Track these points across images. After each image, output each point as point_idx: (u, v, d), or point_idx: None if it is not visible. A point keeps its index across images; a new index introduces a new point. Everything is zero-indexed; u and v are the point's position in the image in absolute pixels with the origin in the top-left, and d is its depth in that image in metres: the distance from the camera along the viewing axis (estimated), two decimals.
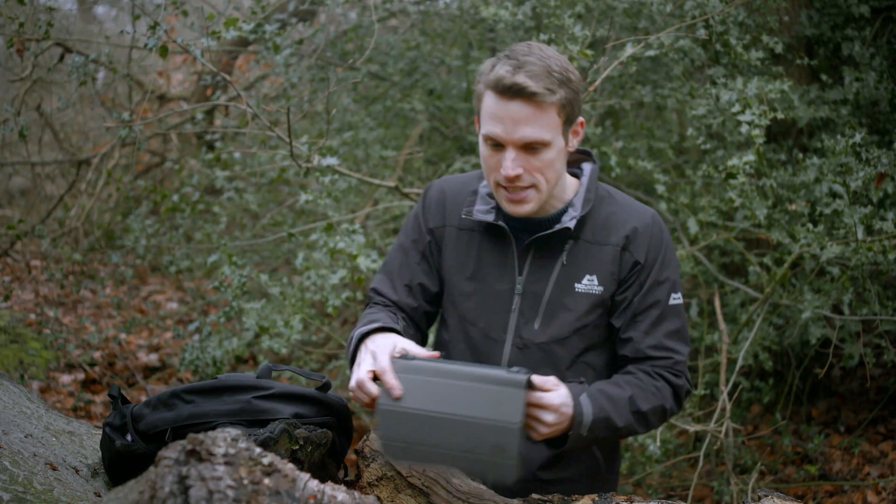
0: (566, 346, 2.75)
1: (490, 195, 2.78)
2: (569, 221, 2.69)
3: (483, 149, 2.63)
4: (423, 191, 2.95)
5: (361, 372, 2.41)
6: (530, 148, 2.55)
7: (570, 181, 2.79)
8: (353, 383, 2.43)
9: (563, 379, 2.65)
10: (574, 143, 2.68)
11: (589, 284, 2.73)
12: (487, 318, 2.78)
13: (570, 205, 2.74)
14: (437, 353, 2.43)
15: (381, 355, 2.39)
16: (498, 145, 2.57)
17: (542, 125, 2.54)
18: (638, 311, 2.71)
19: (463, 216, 2.80)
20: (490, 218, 2.74)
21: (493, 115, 2.55)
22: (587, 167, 2.82)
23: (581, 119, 2.67)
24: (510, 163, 2.55)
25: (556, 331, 2.73)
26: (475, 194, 2.82)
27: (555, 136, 2.57)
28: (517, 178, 2.57)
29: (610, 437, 2.61)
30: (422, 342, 2.85)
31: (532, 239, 2.72)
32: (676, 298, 2.74)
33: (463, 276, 2.81)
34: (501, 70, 2.52)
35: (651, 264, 2.71)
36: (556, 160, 2.61)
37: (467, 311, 2.80)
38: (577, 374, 2.76)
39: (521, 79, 2.49)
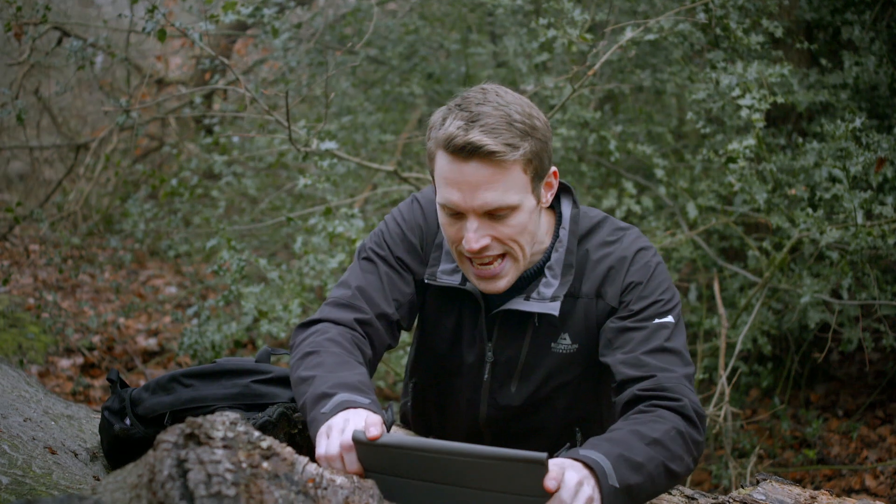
0: (547, 405, 2.55)
1: None
2: (551, 304, 2.38)
3: (441, 216, 2.32)
4: (411, 203, 2.62)
5: (344, 438, 2.00)
6: (495, 215, 2.23)
7: (545, 220, 2.45)
8: (333, 449, 2.01)
9: (551, 440, 2.50)
10: (548, 197, 2.36)
11: (563, 343, 2.46)
12: (462, 376, 2.58)
13: (546, 265, 2.43)
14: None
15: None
16: (456, 215, 2.26)
17: (506, 187, 2.20)
18: (613, 336, 2.38)
19: (426, 280, 2.49)
20: (455, 282, 2.45)
21: (448, 180, 2.22)
22: (567, 212, 2.48)
23: (554, 169, 2.34)
24: (473, 234, 2.23)
25: (533, 392, 2.53)
26: (439, 249, 2.50)
27: (523, 197, 2.24)
28: (484, 249, 2.26)
29: (644, 485, 2.07)
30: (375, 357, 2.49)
31: (501, 310, 2.44)
32: (666, 319, 2.37)
33: (441, 331, 2.57)
34: (452, 127, 2.19)
35: (627, 302, 2.38)
36: (529, 223, 2.29)
37: (449, 366, 2.61)
38: (569, 434, 2.57)
39: (476, 136, 2.15)
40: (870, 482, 4.85)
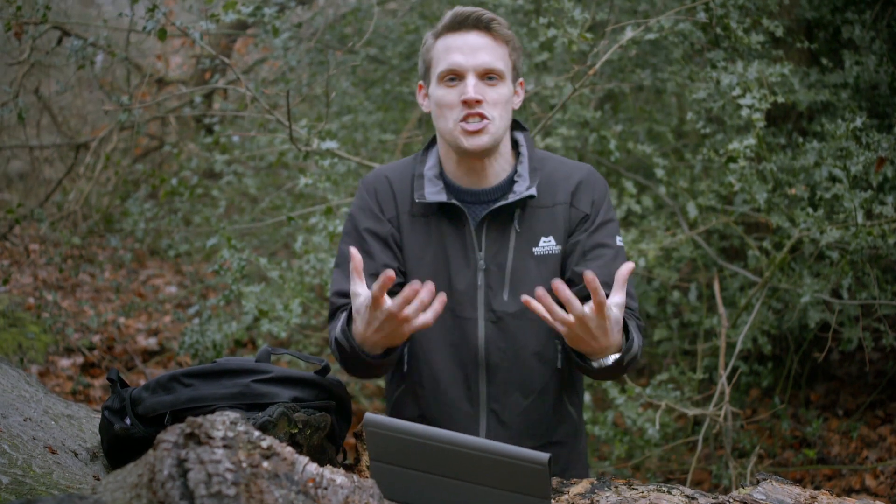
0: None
1: (437, 176, 2.77)
2: (526, 191, 2.70)
3: (439, 91, 2.67)
4: (361, 183, 2.88)
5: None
6: (488, 78, 2.62)
7: (507, 149, 2.80)
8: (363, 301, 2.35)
9: (542, 344, 2.73)
10: (517, 101, 2.75)
11: (546, 245, 2.74)
12: (455, 299, 2.74)
13: (515, 174, 2.76)
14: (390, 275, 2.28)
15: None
16: (455, 79, 2.63)
17: (499, 56, 2.63)
18: (587, 248, 2.71)
19: (416, 200, 2.75)
20: (443, 198, 2.72)
21: (451, 48, 2.63)
22: (521, 136, 2.84)
23: (521, 79, 2.75)
24: (472, 87, 2.59)
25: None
26: (422, 178, 2.79)
27: (507, 74, 2.66)
28: (478, 103, 2.60)
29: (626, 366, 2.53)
30: None
31: (490, 211, 2.70)
32: (620, 242, 2.76)
33: (424, 260, 2.76)
34: (455, 10, 2.64)
35: (596, 211, 2.74)
36: (508, 102, 2.68)
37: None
38: (550, 335, 2.75)
39: (478, 10, 2.63)
40: (870, 482, 4.86)
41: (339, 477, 1.89)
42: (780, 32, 4.43)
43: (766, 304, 4.98)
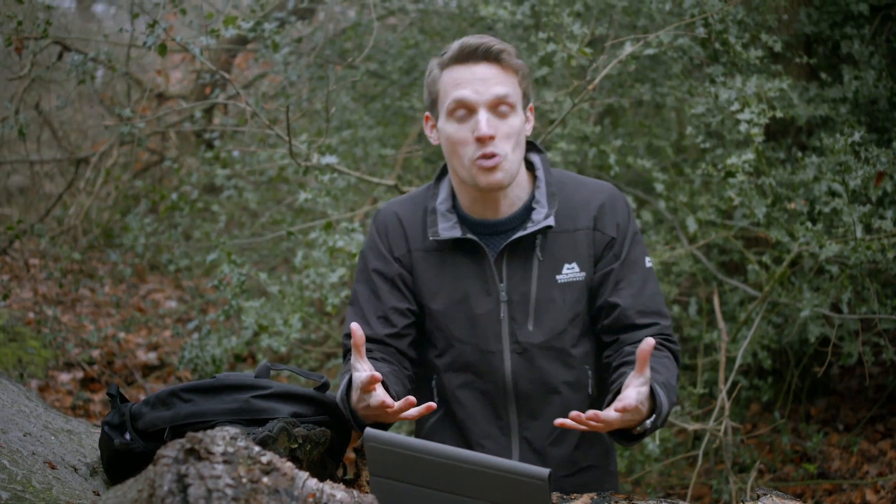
0: (564, 339, 2.70)
1: (450, 210, 2.72)
2: (545, 220, 2.64)
3: (449, 128, 2.60)
4: (372, 220, 2.84)
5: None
6: (499, 110, 2.55)
7: (523, 176, 2.73)
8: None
9: (572, 373, 2.70)
10: (528, 128, 2.68)
11: (570, 273, 2.69)
12: (478, 333, 2.71)
13: (533, 200, 2.70)
14: (432, 406, 2.31)
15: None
16: (466, 113, 2.56)
17: (509, 87, 2.56)
18: (620, 277, 2.67)
19: (430, 237, 2.70)
20: (458, 233, 2.68)
21: (459, 82, 2.56)
22: (536, 159, 2.78)
23: (532, 105, 2.69)
24: (485, 122, 2.53)
25: (550, 327, 2.69)
26: (434, 213, 2.74)
27: (518, 104, 2.59)
28: (491, 139, 2.54)
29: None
30: (409, 378, 2.74)
31: (508, 242, 2.66)
32: (650, 262, 2.73)
33: (442, 298, 2.72)
34: (463, 41, 2.57)
35: (623, 234, 2.69)
36: (521, 133, 2.62)
37: (455, 332, 2.72)
38: (580, 363, 2.73)
39: (487, 40, 2.55)
40: (870, 497, 4.85)
41: (339, 492, 1.89)
42: (778, 47, 4.44)
43: (766, 318, 4.97)
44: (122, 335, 7.22)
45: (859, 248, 4.01)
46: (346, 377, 2.49)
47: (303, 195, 4.53)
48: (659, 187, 5.03)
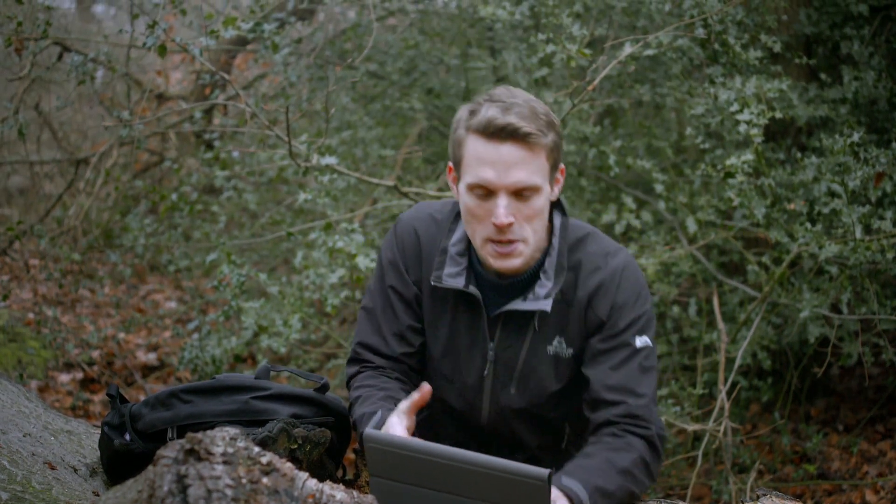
0: (544, 408, 2.68)
1: (460, 254, 2.65)
2: (544, 301, 2.55)
3: (468, 200, 2.49)
4: (394, 228, 2.78)
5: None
6: (521, 195, 2.43)
7: (542, 234, 2.61)
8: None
9: (546, 437, 2.70)
10: (556, 191, 2.57)
11: (559, 347, 2.62)
12: (462, 381, 2.70)
13: (542, 269, 2.61)
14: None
15: None
16: (487, 194, 2.45)
17: (534, 169, 2.43)
18: (601, 351, 2.58)
19: (433, 283, 2.64)
20: (460, 284, 2.61)
21: (483, 161, 2.42)
22: (557, 220, 2.66)
23: (562, 166, 2.57)
24: (503, 209, 2.42)
25: (532, 395, 2.66)
26: (444, 254, 2.66)
27: (544, 182, 2.46)
28: (509, 227, 2.44)
29: None
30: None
31: (505, 310, 2.60)
32: (644, 340, 2.59)
33: (437, 336, 2.71)
34: (490, 112, 2.40)
35: (618, 314, 2.59)
36: (544, 209, 2.51)
37: (443, 370, 2.72)
38: (559, 421, 2.72)
39: (514, 119, 2.38)
40: (870, 497, 4.84)
41: (338, 493, 1.89)
42: (778, 48, 4.44)
43: (766, 319, 4.97)
44: (121, 336, 7.22)
45: (859, 248, 4.01)
46: (377, 417, 2.42)
47: (302, 196, 4.53)
48: (659, 188, 5.03)
